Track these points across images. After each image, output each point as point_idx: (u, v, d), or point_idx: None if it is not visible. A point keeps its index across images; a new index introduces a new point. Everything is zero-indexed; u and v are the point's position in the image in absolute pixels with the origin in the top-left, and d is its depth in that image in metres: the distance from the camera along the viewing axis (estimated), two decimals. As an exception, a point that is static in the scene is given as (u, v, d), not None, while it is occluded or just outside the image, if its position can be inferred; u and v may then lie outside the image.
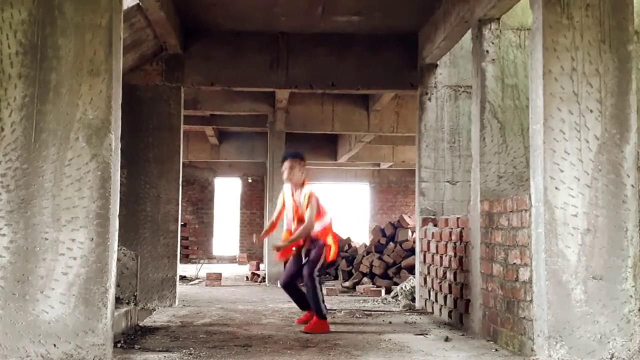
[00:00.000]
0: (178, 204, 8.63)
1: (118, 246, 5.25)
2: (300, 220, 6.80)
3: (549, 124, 4.90)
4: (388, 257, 11.39)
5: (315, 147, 16.89)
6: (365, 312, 7.96)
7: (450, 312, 7.15)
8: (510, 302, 5.45)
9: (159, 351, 5.25)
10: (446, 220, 7.56)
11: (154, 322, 6.97)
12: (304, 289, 6.82)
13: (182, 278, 12.64)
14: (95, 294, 4.57)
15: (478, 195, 6.34)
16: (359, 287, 11.01)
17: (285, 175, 6.92)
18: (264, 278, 12.95)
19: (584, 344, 4.74)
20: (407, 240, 11.42)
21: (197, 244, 20.98)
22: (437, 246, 7.74)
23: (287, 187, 6.98)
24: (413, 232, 11.14)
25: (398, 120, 13.05)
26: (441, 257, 7.56)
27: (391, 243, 11.71)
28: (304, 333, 6.35)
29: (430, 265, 7.99)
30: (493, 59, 6.51)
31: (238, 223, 21.57)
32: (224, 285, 12.03)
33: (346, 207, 23.74)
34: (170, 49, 8.54)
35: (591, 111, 4.93)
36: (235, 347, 5.47)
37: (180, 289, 9.68)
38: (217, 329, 6.53)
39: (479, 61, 6.55)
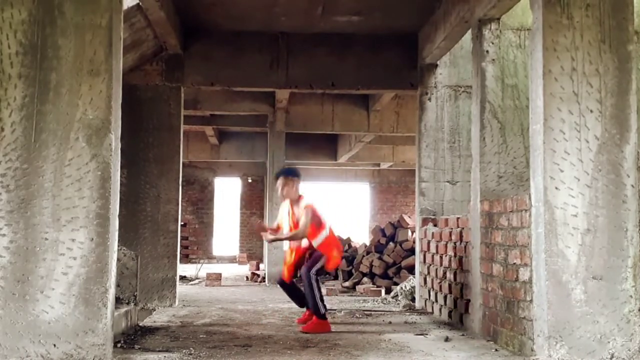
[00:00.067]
0: (178, 204, 8.63)
1: (118, 246, 5.26)
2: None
3: (549, 124, 4.90)
4: (388, 257, 11.38)
5: (315, 147, 16.90)
6: (365, 312, 7.96)
7: (450, 312, 7.15)
8: (510, 302, 5.45)
9: (159, 351, 5.25)
10: (446, 220, 7.56)
11: (154, 322, 6.97)
12: (302, 288, 6.82)
13: (182, 278, 12.64)
14: (95, 294, 4.57)
15: (478, 195, 6.34)
16: (359, 287, 11.01)
17: (279, 193, 6.94)
18: (263, 278, 12.95)
19: (584, 344, 4.74)
20: (407, 240, 11.42)
21: (197, 244, 20.98)
22: (437, 246, 7.74)
23: (285, 204, 7.00)
24: (413, 232, 11.14)
25: (398, 120, 13.04)
26: (441, 257, 7.56)
27: (391, 243, 11.70)
28: (303, 333, 6.35)
29: (430, 265, 7.99)
30: (493, 59, 6.51)
31: (238, 223, 21.57)
32: (224, 285, 12.03)
33: (346, 207, 23.75)
34: (170, 49, 8.54)
35: (591, 111, 4.93)
36: (235, 347, 5.47)
37: (180, 289, 9.68)
38: (217, 329, 6.53)
39: (479, 61, 6.55)
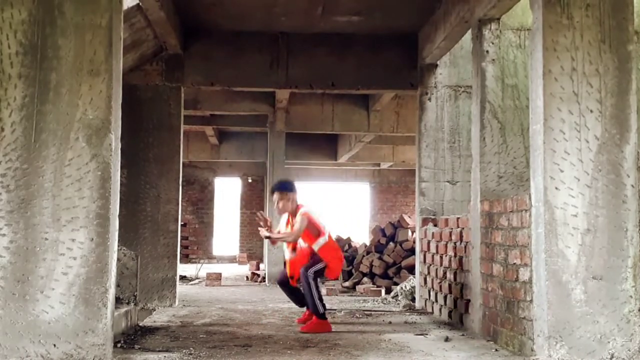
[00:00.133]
0: (178, 204, 8.63)
1: (118, 246, 5.25)
2: (295, 248, 6.82)
3: (549, 124, 4.90)
4: (388, 257, 11.38)
5: (315, 147, 16.91)
6: (365, 312, 7.96)
7: (450, 312, 7.15)
8: (510, 302, 5.45)
9: (159, 351, 5.25)
10: (446, 220, 7.56)
11: (154, 322, 6.97)
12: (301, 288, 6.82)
13: (182, 278, 12.65)
14: (95, 294, 4.57)
15: (478, 195, 6.34)
16: (359, 287, 11.01)
17: (275, 207, 6.94)
18: (264, 278, 12.96)
19: (584, 344, 4.74)
20: (407, 240, 11.42)
21: (197, 244, 20.98)
22: (437, 246, 7.74)
23: (284, 217, 6.99)
24: (413, 232, 11.14)
25: (398, 120, 13.05)
26: (441, 257, 7.56)
27: (391, 243, 11.71)
28: (302, 333, 6.34)
29: (430, 265, 7.99)
30: (493, 59, 6.51)
31: (238, 223, 21.57)
32: (224, 285, 12.03)
33: (346, 207, 23.76)
34: (170, 49, 8.54)
35: (591, 111, 4.93)
36: (235, 347, 5.47)
37: (180, 289, 9.68)
38: (217, 329, 6.53)
39: (479, 61, 6.55)
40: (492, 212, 5.94)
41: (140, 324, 6.64)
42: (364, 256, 11.87)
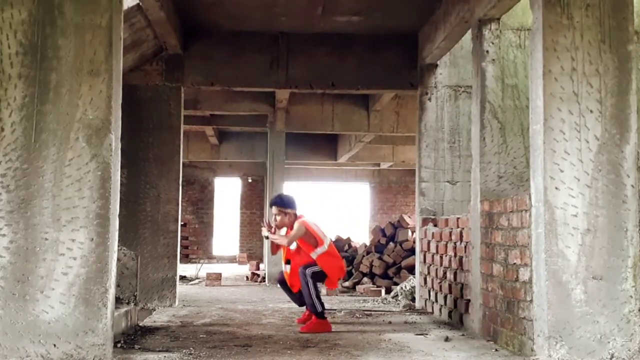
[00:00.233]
0: (178, 204, 8.63)
1: (118, 246, 5.25)
2: (290, 260, 6.84)
3: (549, 124, 4.90)
4: (388, 257, 11.38)
5: (315, 147, 16.91)
6: (365, 312, 7.96)
7: (450, 312, 7.15)
8: (510, 302, 5.45)
9: (159, 351, 5.25)
10: (446, 220, 7.56)
11: (154, 322, 6.97)
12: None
13: (182, 278, 12.65)
14: (95, 294, 4.57)
15: (478, 195, 6.34)
16: (359, 287, 11.01)
17: (272, 220, 6.94)
18: (264, 278, 12.96)
19: (584, 344, 4.74)
20: (407, 240, 11.42)
21: (197, 244, 20.98)
22: (437, 246, 7.74)
23: (284, 230, 7.00)
24: (413, 232, 11.14)
25: (398, 120, 13.05)
26: (441, 257, 7.56)
27: (391, 243, 11.70)
28: (302, 333, 6.34)
29: (430, 265, 7.99)
30: (493, 59, 6.51)
31: (238, 223, 21.58)
32: (224, 285, 12.03)
33: (346, 207, 23.76)
34: (170, 49, 8.54)
35: (591, 111, 4.93)
36: (235, 347, 5.47)
37: (180, 289, 9.68)
38: (217, 329, 6.53)
39: (479, 61, 6.55)
40: (492, 212, 5.95)
41: (140, 324, 6.64)
42: (364, 256, 11.87)
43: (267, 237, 6.98)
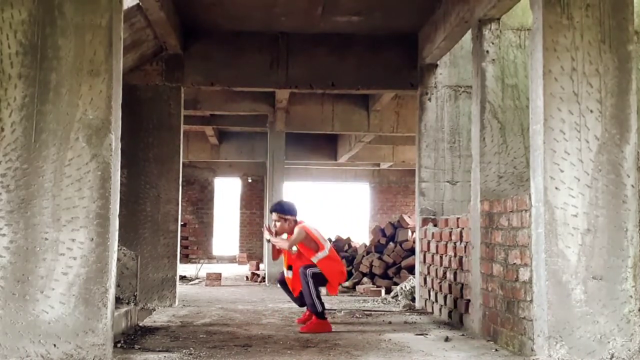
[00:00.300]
0: (178, 204, 8.63)
1: (118, 246, 5.26)
2: (291, 266, 6.84)
3: (549, 124, 4.90)
4: (388, 257, 11.38)
5: (315, 147, 16.91)
6: (365, 312, 7.96)
7: (450, 312, 7.15)
8: (510, 302, 5.45)
9: (159, 351, 5.25)
10: (446, 220, 7.56)
11: (154, 322, 6.97)
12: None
13: (182, 278, 12.65)
14: (95, 294, 4.57)
15: (478, 195, 6.34)
16: (359, 287, 11.01)
17: (272, 226, 6.95)
18: (263, 278, 12.96)
19: (584, 344, 4.74)
20: (407, 240, 11.42)
21: (197, 244, 20.99)
22: (437, 246, 7.74)
23: (284, 236, 7.01)
24: (413, 232, 11.14)
25: (398, 120, 13.05)
26: (441, 257, 7.56)
27: (391, 243, 11.70)
28: (302, 333, 6.34)
29: (430, 265, 7.99)
30: (493, 59, 6.51)
31: (238, 223, 21.58)
32: (224, 285, 12.03)
33: (346, 207, 23.76)
34: (170, 49, 8.54)
35: (591, 111, 4.93)
36: (235, 347, 5.47)
37: (180, 289, 9.68)
38: (217, 329, 6.53)
39: (479, 61, 6.55)
40: (492, 212, 5.95)
41: (140, 324, 6.64)
42: (363, 256, 11.87)
43: (268, 241, 7.00)
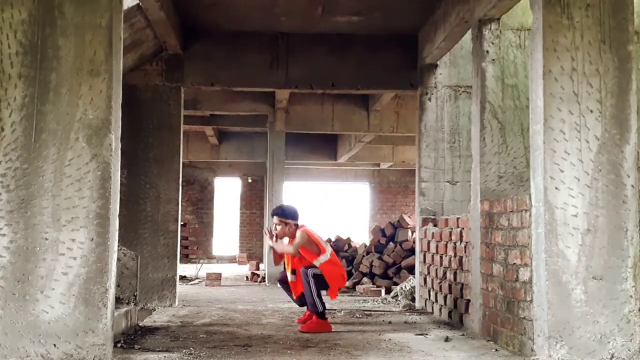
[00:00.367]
0: (178, 204, 8.63)
1: (118, 246, 5.26)
2: (295, 270, 6.84)
3: (549, 124, 4.91)
4: (388, 257, 11.38)
5: (315, 147, 16.91)
6: (365, 312, 7.96)
7: (450, 312, 7.15)
8: (511, 302, 5.45)
9: (159, 351, 5.25)
10: (446, 220, 7.56)
11: (154, 322, 6.97)
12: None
13: (182, 278, 12.65)
14: (95, 294, 4.57)
15: (478, 195, 6.34)
16: (359, 287, 11.01)
17: (273, 228, 6.97)
18: (263, 278, 12.96)
19: (584, 344, 4.74)
20: (407, 240, 11.42)
21: (197, 244, 20.98)
22: (437, 246, 7.74)
23: (286, 239, 7.01)
24: (413, 232, 11.14)
25: (398, 120, 13.05)
26: (441, 257, 7.56)
27: (391, 243, 11.70)
28: (302, 333, 6.34)
29: (430, 265, 7.99)
30: (493, 59, 6.51)
31: (238, 223, 21.58)
32: (223, 285, 12.03)
33: (346, 207, 23.76)
34: (170, 49, 8.54)
35: (591, 111, 4.93)
36: (235, 347, 5.47)
37: (180, 289, 9.68)
38: (217, 329, 6.53)
39: (479, 61, 6.55)
40: (492, 212, 5.95)
41: (140, 324, 6.64)
42: (363, 256, 11.87)
43: (273, 248, 7.01)
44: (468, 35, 7.26)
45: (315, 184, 22.55)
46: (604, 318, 4.77)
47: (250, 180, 21.26)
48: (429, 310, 8.00)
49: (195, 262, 18.63)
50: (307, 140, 16.32)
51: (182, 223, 16.96)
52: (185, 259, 19.70)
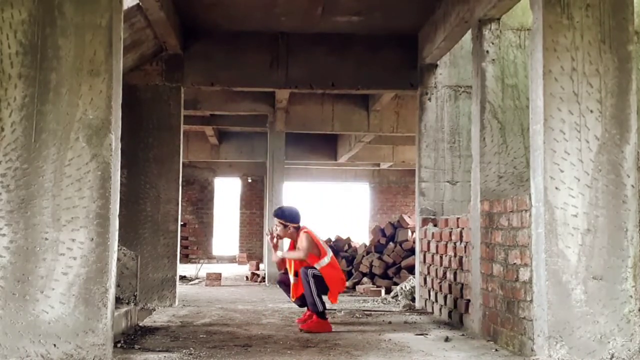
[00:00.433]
0: (178, 204, 8.63)
1: (118, 246, 5.26)
2: (297, 273, 6.83)
3: (549, 124, 4.91)
4: (388, 257, 11.38)
5: (315, 147, 16.91)
6: (365, 312, 7.96)
7: (450, 312, 7.15)
8: (511, 302, 5.45)
9: (159, 351, 5.25)
10: (446, 220, 7.56)
11: (154, 322, 6.97)
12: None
13: (182, 278, 12.65)
14: (95, 294, 4.57)
15: (478, 195, 6.34)
16: (359, 287, 11.01)
17: (274, 229, 6.98)
18: (263, 278, 12.96)
19: (584, 344, 4.74)
20: (407, 240, 11.42)
21: (197, 244, 20.98)
22: (437, 246, 7.74)
23: (287, 241, 7.01)
24: (413, 232, 11.14)
25: (398, 120, 13.05)
26: (441, 257, 7.56)
27: (391, 243, 11.70)
28: (302, 332, 6.35)
29: (430, 265, 7.99)
30: (493, 59, 6.51)
31: (238, 223, 21.58)
32: (223, 285, 12.03)
33: (346, 207, 23.76)
34: (170, 49, 8.54)
35: (591, 111, 4.93)
36: (235, 347, 5.47)
37: (180, 289, 9.68)
38: (217, 329, 6.53)
39: (479, 61, 6.55)
40: (492, 212, 5.95)
41: (140, 324, 6.64)
42: (363, 256, 11.87)
43: (274, 253, 7.04)
44: (468, 35, 7.26)
45: (315, 184, 22.54)
46: (604, 318, 4.77)
47: (250, 180, 21.25)
48: (429, 310, 8.00)
49: (195, 262, 18.62)
50: (307, 140, 16.32)
51: (182, 223, 16.96)
52: (185, 259, 19.70)
